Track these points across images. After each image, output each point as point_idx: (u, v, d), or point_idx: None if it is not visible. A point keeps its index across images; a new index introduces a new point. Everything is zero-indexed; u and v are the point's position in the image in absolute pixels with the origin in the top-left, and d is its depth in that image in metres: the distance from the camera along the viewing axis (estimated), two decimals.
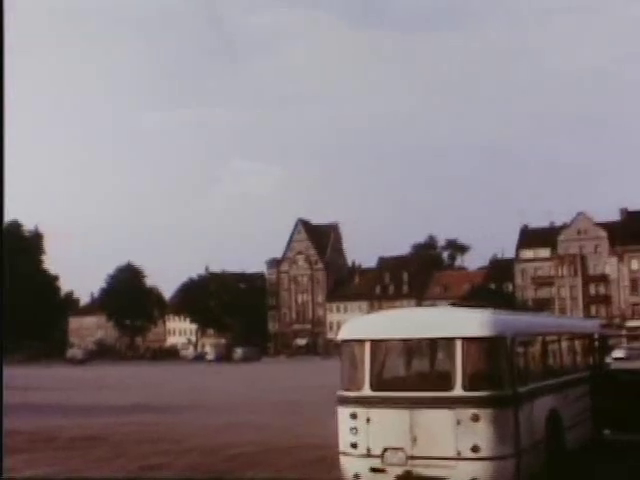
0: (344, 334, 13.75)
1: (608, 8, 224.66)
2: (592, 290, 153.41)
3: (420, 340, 13.36)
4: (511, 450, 12.36)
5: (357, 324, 14.37)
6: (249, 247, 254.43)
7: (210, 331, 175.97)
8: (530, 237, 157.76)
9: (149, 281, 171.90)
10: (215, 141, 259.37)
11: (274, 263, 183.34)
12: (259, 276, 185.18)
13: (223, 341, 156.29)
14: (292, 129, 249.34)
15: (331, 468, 13.80)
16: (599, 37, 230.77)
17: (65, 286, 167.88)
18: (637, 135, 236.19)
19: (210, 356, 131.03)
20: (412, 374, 13.68)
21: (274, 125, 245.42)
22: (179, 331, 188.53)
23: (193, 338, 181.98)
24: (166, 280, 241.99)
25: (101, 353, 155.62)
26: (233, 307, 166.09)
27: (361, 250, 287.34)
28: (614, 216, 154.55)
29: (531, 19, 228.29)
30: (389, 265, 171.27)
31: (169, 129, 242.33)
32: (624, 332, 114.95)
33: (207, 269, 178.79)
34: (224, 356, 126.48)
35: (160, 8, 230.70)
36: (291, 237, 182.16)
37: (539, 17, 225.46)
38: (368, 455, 12.80)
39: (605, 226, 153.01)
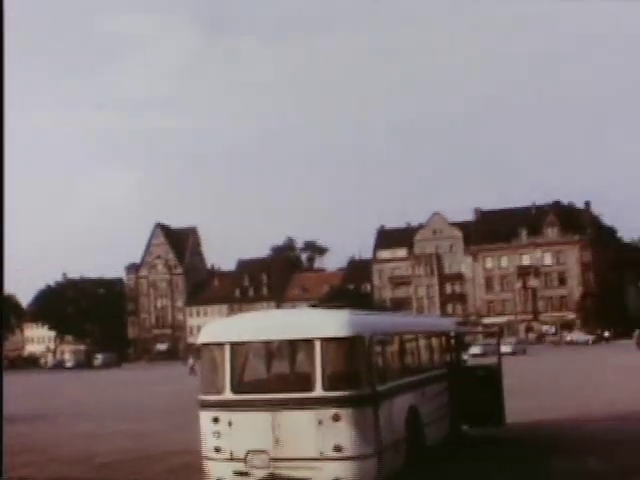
0: (203, 337, 13.61)
1: (474, 11, 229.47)
2: (448, 289, 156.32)
3: (280, 342, 13.33)
4: (372, 448, 12.44)
5: (216, 327, 14.25)
6: (108, 252, 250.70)
7: (69, 338, 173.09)
8: (387, 238, 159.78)
9: (5, 288, 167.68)
10: (71, 146, 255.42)
11: (133, 268, 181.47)
12: (118, 281, 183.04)
13: (83, 348, 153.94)
14: (149, 134, 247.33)
15: (199, 473, 13.72)
16: (461, 39, 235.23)
17: None
18: (489, 136, 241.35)
19: (69, 363, 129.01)
20: (273, 376, 13.64)
21: (131, 130, 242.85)
22: (38, 339, 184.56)
23: (52, 345, 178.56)
24: (23, 287, 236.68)
25: None
26: (92, 313, 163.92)
27: (220, 253, 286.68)
28: (468, 216, 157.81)
29: (401, 22, 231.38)
30: (248, 268, 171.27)
31: (24, 134, 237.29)
32: (480, 329, 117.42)
33: (65, 275, 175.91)
34: (84, 363, 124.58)
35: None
36: (149, 242, 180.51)
37: (409, 20, 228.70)
38: (231, 459, 12.71)
39: (460, 226, 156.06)
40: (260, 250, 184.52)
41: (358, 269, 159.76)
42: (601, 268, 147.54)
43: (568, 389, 34.55)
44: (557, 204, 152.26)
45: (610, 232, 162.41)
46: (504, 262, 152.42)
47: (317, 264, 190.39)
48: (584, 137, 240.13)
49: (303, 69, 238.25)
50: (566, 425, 21.87)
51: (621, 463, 15.55)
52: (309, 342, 12.67)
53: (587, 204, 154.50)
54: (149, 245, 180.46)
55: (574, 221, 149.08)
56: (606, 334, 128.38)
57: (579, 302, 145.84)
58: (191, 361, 77.94)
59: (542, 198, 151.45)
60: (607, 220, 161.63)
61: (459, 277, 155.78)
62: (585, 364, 57.68)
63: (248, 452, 12.61)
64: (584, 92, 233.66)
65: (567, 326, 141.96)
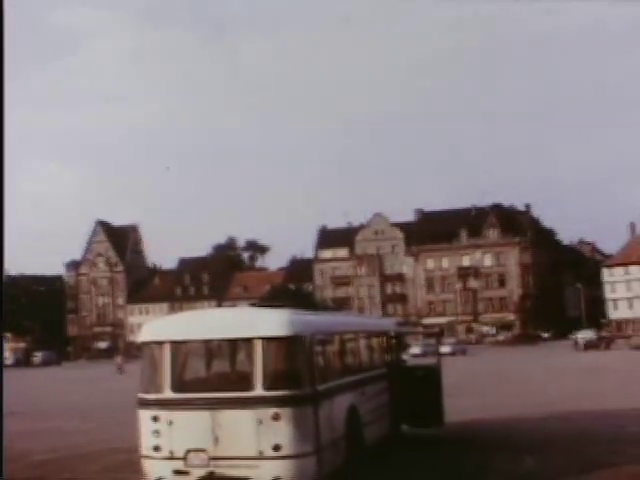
0: (144, 336, 13.55)
1: (418, 10, 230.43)
2: (389, 289, 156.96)
3: (220, 341, 13.32)
4: (312, 448, 12.49)
5: (157, 325, 14.16)
6: (48, 249, 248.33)
7: (8, 335, 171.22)
8: (328, 237, 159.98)
9: None
10: (11, 140, 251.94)
11: (73, 265, 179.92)
12: (58, 279, 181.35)
13: (22, 345, 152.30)
14: (91, 129, 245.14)
15: (137, 472, 13.65)
16: (401, 38, 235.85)
17: None
18: (431, 137, 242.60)
19: (8, 361, 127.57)
20: (213, 375, 13.61)
21: (73, 125, 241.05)
22: None
23: None
24: None
25: None
26: (32, 310, 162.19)
27: (161, 251, 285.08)
28: (410, 217, 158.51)
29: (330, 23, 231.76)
30: (189, 266, 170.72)
31: None
32: (420, 329, 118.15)
33: (4, 272, 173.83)
34: (23, 361, 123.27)
35: None
36: (90, 239, 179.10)
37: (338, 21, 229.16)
38: (171, 458, 12.67)
39: (401, 227, 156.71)
40: (201, 249, 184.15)
41: (299, 269, 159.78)
42: (540, 270, 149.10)
43: (506, 389, 34.87)
44: (497, 206, 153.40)
45: (549, 234, 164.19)
46: (445, 263, 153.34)
47: (258, 263, 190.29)
48: (524, 140, 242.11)
49: (239, 68, 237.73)
50: (504, 424, 22.07)
51: (556, 461, 15.77)
52: (249, 341, 12.67)
53: (527, 206, 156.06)
54: (90, 242, 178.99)
55: (514, 223, 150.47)
56: (545, 335, 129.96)
57: (519, 303, 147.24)
58: (119, 360, 77.53)
59: (483, 200, 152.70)
60: (546, 222, 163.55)
61: (400, 278, 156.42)
62: (523, 365, 58.22)
63: (188, 451, 12.58)
64: (524, 95, 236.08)
65: (507, 327, 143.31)
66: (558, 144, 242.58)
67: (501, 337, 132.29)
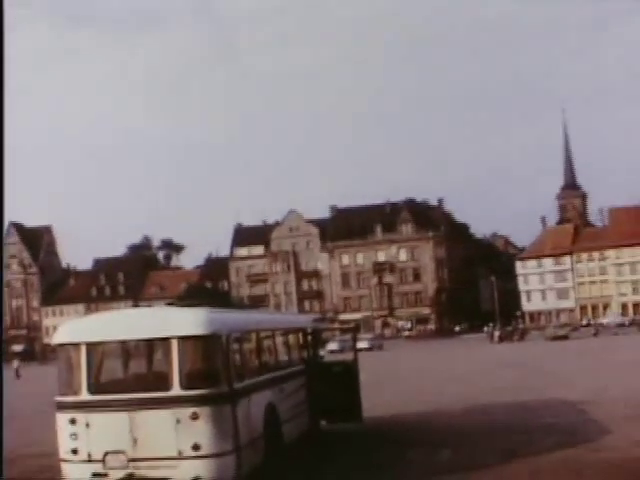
0: (59, 338, 13.37)
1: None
2: (305, 286, 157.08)
3: (137, 341, 13.27)
4: (231, 446, 12.49)
5: (72, 327, 13.97)
6: None
7: None
8: (244, 235, 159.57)
9: None
10: None
11: None
12: None
13: None
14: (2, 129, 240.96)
15: (56, 476, 13.49)
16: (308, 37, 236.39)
17: None
18: (345, 134, 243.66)
19: None
20: (131, 376, 13.55)
21: None
22: None
23: None
24: None
25: None
26: None
27: (76, 252, 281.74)
28: (324, 213, 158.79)
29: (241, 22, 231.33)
30: (105, 266, 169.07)
31: None
32: (337, 325, 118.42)
33: None
34: None
35: None
36: (2, 240, 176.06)
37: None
38: (89, 460, 12.56)
39: (316, 223, 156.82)
40: (116, 249, 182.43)
41: (215, 267, 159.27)
42: (455, 264, 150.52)
43: (424, 383, 35.14)
44: (411, 201, 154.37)
45: (463, 228, 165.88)
46: (360, 259, 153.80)
47: (174, 262, 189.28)
48: (438, 136, 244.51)
49: (145, 67, 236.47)
50: (422, 418, 22.28)
51: (473, 453, 15.96)
52: (166, 341, 12.64)
53: (440, 201, 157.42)
54: (2, 244, 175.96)
55: (428, 218, 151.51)
56: (457, 328, 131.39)
57: (433, 297, 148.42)
58: (15, 364, 76.01)
59: (396, 196, 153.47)
60: (459, 217, 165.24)
61: (316, 274, 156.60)
62: (439, 358, 58.78)
63: (106, 453, 12.49)
64: (435, 91, 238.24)
65: (422, 321, 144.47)
66: (471, 140, 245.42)
67: (416, 331, 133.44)
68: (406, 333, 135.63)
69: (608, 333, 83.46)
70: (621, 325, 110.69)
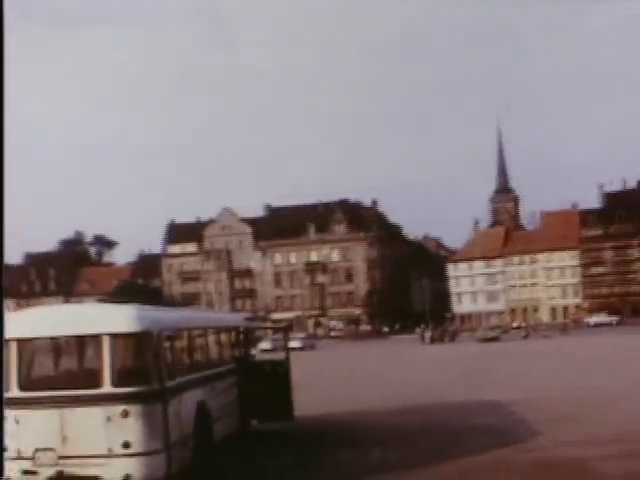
0: None
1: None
2: (238, 284, 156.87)
3: (68, 338, 13.17)
4: (161, 444, 12.44)
5: None
6: None
7: None
8: (177, 232, 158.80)
9: None
10: None
11: None
12: None
13: None
14: None
15: None
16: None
17: None
18: (279, 133, 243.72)
19: None
20: (62, 373, 13.45)
21: None
22: None
23: None
24: None
25: None
26: None
27: (6, 246, 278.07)
28: (258, 212, 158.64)
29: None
30: (35, 261, 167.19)
31: None
32: (269, 324, 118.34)
33: None
34: None
35: None
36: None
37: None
38: (19, 457, 12.43)
39: (249, 221, 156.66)
40: (48, 243, 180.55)
41: (147, 264, 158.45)
42: (387, 265, 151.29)
43: (355, 383, 35.25)
44: (344, 202, 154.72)
45: (395, 230, 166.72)
46: (293, 258, 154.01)
47: (106, 258, 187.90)
48: (372, 137, 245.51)
49: (85, 66, 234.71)
50: (353, 418, 22.32)
51: (402, 454, 16.06)
52: (97, 338, 12.55)
53: (373, 202, 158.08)
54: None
55: (361, 219, 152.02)
56: (386, 329, 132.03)
57: (365, 298, 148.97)
58: None
59: (329, 196, 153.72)
60: (393, 218, 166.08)
61: (248, 273, 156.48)
62: (370, 359, 59.00)
63: (36, 450, 12.40)
64: (371, 94, 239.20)
65: (354, 321, 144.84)
66: (405, 142, 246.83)
67: (347, 331, 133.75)
68: (337, 333, 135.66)
69: (538, 336, 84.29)
70: (608, 324, 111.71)
